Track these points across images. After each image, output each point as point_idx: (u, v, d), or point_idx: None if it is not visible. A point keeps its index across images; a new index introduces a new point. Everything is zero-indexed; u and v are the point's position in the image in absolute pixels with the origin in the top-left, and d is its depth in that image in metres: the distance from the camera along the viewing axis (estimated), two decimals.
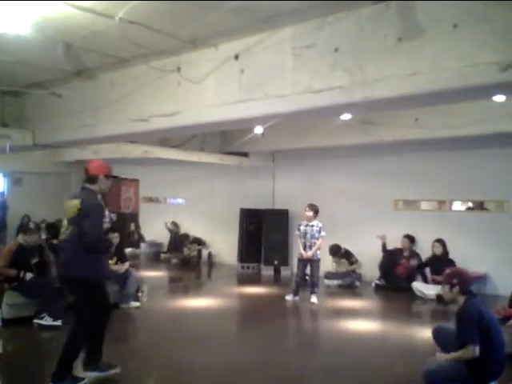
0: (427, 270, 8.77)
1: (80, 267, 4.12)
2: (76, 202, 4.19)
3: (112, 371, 4.43)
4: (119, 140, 7.96)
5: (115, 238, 7.56)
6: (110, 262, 7.37)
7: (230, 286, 9.58)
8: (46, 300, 6.18)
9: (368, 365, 5.04)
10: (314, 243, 7.96)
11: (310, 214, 8.02)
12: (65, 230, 4.25)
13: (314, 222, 8.04)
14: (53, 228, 12.90)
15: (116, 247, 7.55)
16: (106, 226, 4.31)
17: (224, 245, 12.17)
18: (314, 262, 8.04)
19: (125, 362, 4.95)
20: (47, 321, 6.08)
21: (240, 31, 4.39)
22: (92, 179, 4.32)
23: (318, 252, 8.05)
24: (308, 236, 7.99)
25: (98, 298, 4.32)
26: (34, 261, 6.55)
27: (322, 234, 8.00)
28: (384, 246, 9.42)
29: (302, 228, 8.10)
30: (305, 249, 7.99)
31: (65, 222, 4.29)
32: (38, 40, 4.54)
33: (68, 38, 4.64)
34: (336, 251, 9.77)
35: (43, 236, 12.12)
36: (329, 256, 9.81)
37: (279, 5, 3.82)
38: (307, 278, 8.61)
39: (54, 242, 8.81)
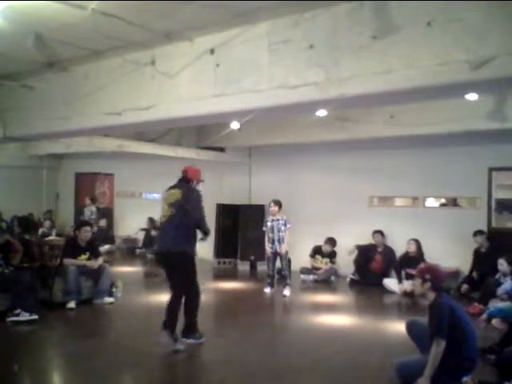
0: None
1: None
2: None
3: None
4: (92, 133, 7.83)
5: (87, 231, 7.46)
6: (83, 257, 7.28)
7: (206, 281, 9.49)
8: (19, 294, 6.05)
9: (343, 359, 5.08)
10: (282, 236, 8.18)
11: (276, 208, 8.29)
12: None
13: (279, 216, 8.29)
14: (24, 222, 12.73)
15: (89, 242, 7.45)
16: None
17: None
18: (282, 255, 8.23)
19: (98, 357, 4.90)
20: (24, 316, 5.96)
21: (216, 25, 4.34)
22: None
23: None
24: (275, 230, 8.25)
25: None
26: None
27: (288, 226, 8.25)
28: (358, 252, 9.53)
29: (268, 224, 8.35)
30: (273, 243, 8.25)
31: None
32: (8, 31, 4.40)
33: (39, 29, 4.52)
34: (333, 243, 9.83)
35: (16, 230, 11.92)
36: (307, 252, 9.89)
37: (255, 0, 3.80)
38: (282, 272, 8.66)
39: (26, 237, 8.67)
